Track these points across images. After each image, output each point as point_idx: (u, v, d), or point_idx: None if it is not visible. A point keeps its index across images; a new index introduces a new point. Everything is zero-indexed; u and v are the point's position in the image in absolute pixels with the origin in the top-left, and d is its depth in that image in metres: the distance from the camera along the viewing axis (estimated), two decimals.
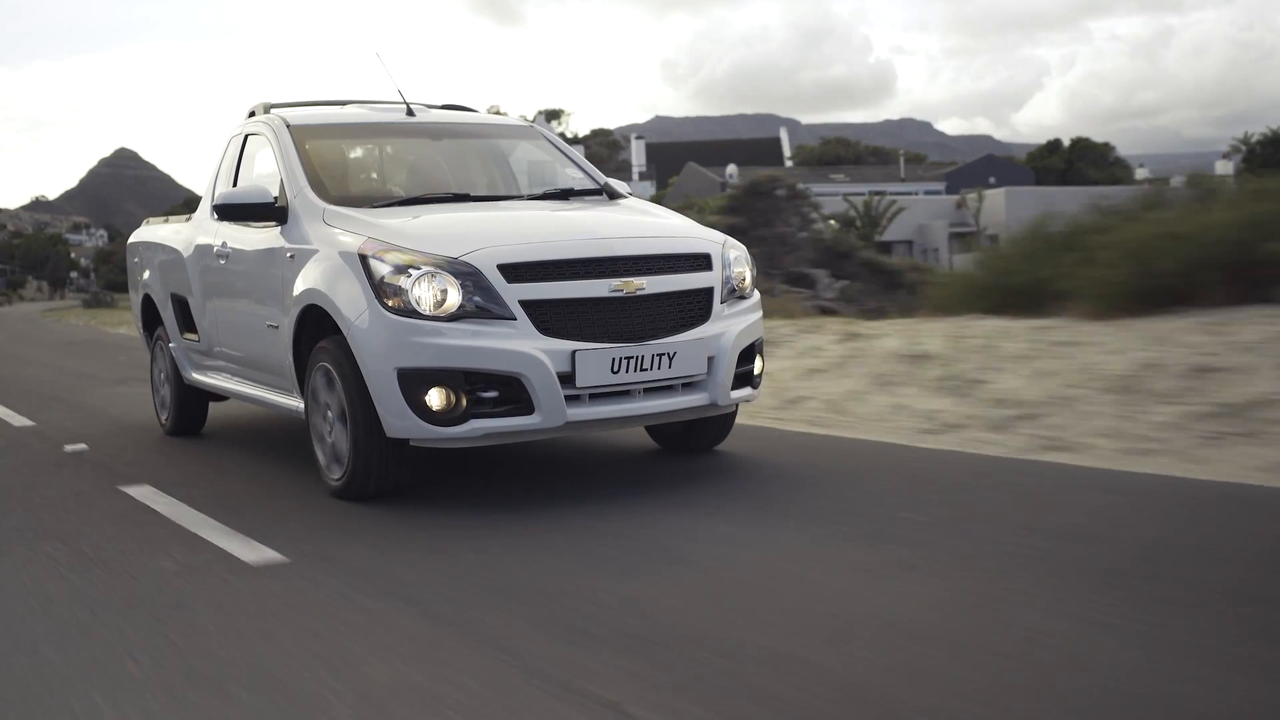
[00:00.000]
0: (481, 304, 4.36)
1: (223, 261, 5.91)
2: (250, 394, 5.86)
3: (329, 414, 4.78)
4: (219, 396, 6.61)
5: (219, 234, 5.99)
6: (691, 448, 5.49)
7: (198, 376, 6.58)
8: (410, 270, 4.39)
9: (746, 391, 4.99)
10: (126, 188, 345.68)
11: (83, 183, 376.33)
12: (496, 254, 4.43)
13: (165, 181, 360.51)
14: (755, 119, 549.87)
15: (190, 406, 6.93)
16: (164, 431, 7.13)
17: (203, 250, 6.22)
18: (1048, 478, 4.64)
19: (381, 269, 4.45)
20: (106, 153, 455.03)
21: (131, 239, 7.77)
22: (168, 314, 6.86)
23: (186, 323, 6.61)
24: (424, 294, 4.36)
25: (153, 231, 7.34)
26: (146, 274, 7.25)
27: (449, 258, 4.40)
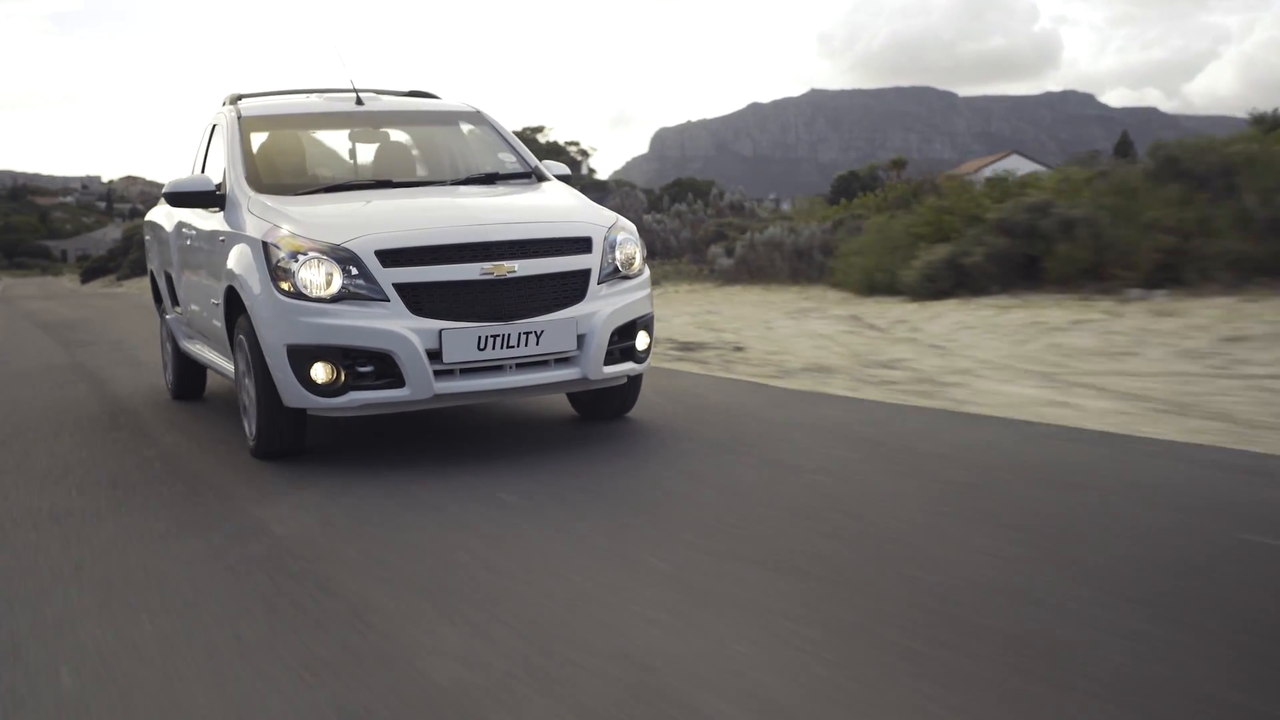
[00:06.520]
0: (360, 287, 4.81)
1: (188, 241, 6.50)
2: (214, 363, 6.44)
3: (246, 382, 5.31)
4: None
5: (188, 215, 6.58)
6: (600, 415, 5.87)
7: (187, 345, 7.22)
8: (299, 256, 4.86)
9: (628, 366, 5.32)
10: None
11: None
12: (375, 240, 4.87)
13: None
14: (911, 91, 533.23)
15: (189, 373, 7.58)
16: (170, 395, 7.80)
17: (179, 230, 6.83)
18: None
19: (278, 254, 4.94)
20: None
21: (146, 217, 8.45)
22: (162, 288, 7.52)
23: (174, 296, 7.25)
24: (310, 277, 4.83)
25: (156, 211, 8.01)
26: (152, 251, 7.94)
27: (332, 244, 4.87)
